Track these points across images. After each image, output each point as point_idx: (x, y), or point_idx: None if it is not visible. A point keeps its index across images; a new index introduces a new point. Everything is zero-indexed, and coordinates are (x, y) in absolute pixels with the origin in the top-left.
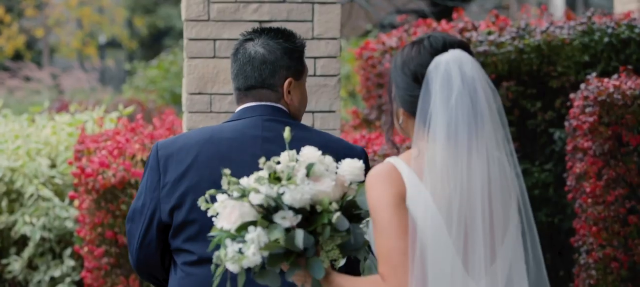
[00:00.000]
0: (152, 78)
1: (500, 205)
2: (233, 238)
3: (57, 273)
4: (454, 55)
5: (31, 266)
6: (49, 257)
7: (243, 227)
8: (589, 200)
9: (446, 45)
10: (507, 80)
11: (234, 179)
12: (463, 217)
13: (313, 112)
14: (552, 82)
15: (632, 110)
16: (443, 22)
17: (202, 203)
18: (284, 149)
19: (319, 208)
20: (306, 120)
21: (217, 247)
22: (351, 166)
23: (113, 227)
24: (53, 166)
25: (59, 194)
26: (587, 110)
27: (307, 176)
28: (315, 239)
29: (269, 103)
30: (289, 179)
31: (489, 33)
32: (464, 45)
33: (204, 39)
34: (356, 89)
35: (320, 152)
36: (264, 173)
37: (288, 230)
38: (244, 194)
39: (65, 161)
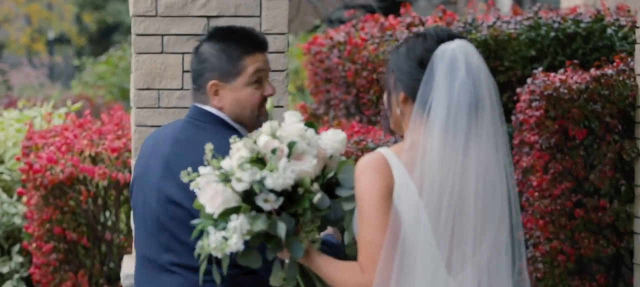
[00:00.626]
0: (101, 74)
1: (490, 199)
2: (215, 225)
3: (5, 269)
4: (460, 44)
5: None
6: None
7: (226, 214)
8: (536, 194)
9: (451, 36)
10: None
11: (215, 162)
12: (452, 211)
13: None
14: (499, 76)
15: (578, 105)
16: (391, 17)
17: (184, 176)
18: (192, 153)
19: (300, 189)
20: None
21: (201, 234)
22: (333, 140)
23: (61, 223)
24: (1, 162)
25: (7, 190)
26: (534, 104)
27: (288, 155)
28: (296, 219)
29: (198, 104)
30: (271, 167)
31: None
32: (466, 39)
33: (152, 35)
34: (304, 83)
35: (302, 124)
36: (245, 153)
37: (270, 213)
38: (226, 179)
39: (13, 157)
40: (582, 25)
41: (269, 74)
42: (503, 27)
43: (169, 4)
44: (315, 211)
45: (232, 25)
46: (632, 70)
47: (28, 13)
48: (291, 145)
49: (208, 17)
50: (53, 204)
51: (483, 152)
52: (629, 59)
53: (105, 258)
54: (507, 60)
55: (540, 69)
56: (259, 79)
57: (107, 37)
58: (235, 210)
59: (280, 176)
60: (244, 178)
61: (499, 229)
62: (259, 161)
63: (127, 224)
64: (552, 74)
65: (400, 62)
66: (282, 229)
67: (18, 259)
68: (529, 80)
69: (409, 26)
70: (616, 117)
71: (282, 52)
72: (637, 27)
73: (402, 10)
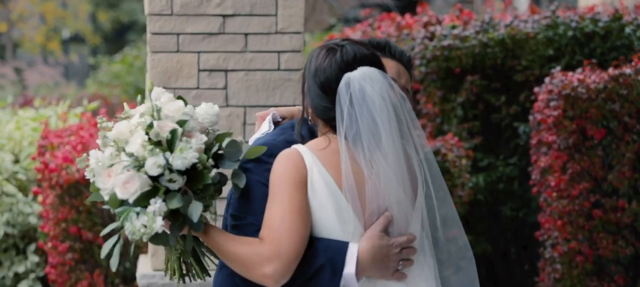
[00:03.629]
0: (116, 73)
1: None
2: (135, 211)
3: (21, 269)
4: (363, 72)
5: None
6: (12, 253)
7: (143, 198)
8: (554, 194)
9: (356, 59)
10: (472, 74)
11: (118, 143)
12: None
13: (277, 106)
14: (516, 76)
15: (597, 104)
16: (407, 16)
17: (80, 162)
18: None
19: (199, 166)
20: None
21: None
22: (208, 113)
23: (77, 223)
24: (16, 161)
25: (23, 189)
26: (552, 104)
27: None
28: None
29: None
30: (181, 149)
31: (453, 27)
32: (375, 60)
33: (167, 33)
34: None
35: (181, 102)
36: (144, 137)
37: (176, 191)
38: (140, 165)
39: (28, 156)
40: (600, 24)
41: None
42: (520, 26)
43: (184, 3)
44: (214, 185)
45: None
46: None
47: (43, 12)
48: (182, 123)
49: (224, 16)
50: (69, 204)
51: (401, 155)
52: None
53: (121, 258)
54: (524, 60)
55: (558, 68)
56: None
57: (122, 36)
58: (149, 193)
59: (186, 156)
60: (160, 162)
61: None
62: (158, 143)
63: None
64: (570, 74)
65: (309, 81)
66: (198, 207)
67: (34, 258)
68: (546, 79)
69: (425, 25)
70: (635, 116)
71: (298, 52)
72: None
73: (418, 9)
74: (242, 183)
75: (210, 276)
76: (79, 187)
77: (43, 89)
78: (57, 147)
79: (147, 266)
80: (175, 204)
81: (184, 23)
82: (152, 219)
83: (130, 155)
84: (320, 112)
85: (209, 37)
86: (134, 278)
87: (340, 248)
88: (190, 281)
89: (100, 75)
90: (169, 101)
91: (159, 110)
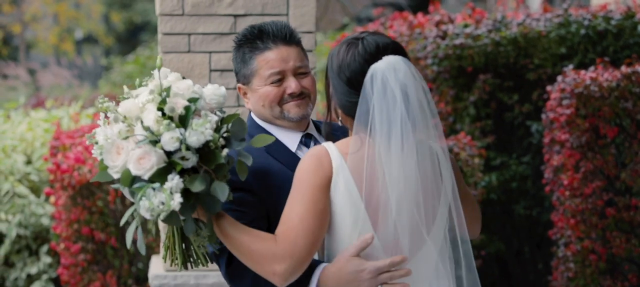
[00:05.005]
0: (129, 73)
1: (430, 197)
2: (152, 187)
3: (33, 270)
4: (388, 62)
5: (7, 263)
6: (25, 255)
7: (158, 175)
8: (567, 192)
9: (380, 49)
10: (484, 73)
11: (129, 120)
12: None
13: None
14: (528, 74)
15: (609, 103)
16: (419, 15)
17: (89, 138)
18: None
19: (211, 145)
20: None
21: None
22: (216, 94)
23: (89, 224)
24: (28, 162)
25: (35, 190)
26: (564, 102)
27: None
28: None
29: None
30: (196, 126)
31: (466, 26)
32: (398, 47)
33: (179, 34)
34: None
35: (189, 81)
36: (157, 113)
37: (191, 170)
38: (155, 140)
39: (40, 158)
40: (613, 22)
41: (294, 67)
42: (533, 24)
43: (195, 3)
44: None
45: (256, 23)
46: None
47: (56, 12)
48: (194, 101)
49: (235, 16)
50: (81, 204)
51: (422, 156)
52: None
53: (133, 258)
54: (537, 58)
55: (571, 66)
56: (278, 78)
57: (134, 36)
58: (163, 170)
59: (203, 131)
60: (175, 136)
61: (438, 224)
62: (170, 119)
63: (155, 224)
64: (583, 72)
65: (334, 79)
66: (224, 189)
67: (46, 259)
68: (559, 78)
69: (438, 24)
70: None
71: (310, 51)
72: None
73: (431, 7)
74: (249, 161)
75: (212, 262)
76: (91, 187)
77: (56, 90)
78: (69, 148)
79: (160, 266)
80: (198, 186)
81: (195, 23)
82: (169, 196)
83: (147, 129)
84: (349, 110)
85: (220, 37)
86: (146, 279)
87: (312, 265)
88: (192, 268)
89: (113, 75)
90: (177, 80)
91: (168, 89)
